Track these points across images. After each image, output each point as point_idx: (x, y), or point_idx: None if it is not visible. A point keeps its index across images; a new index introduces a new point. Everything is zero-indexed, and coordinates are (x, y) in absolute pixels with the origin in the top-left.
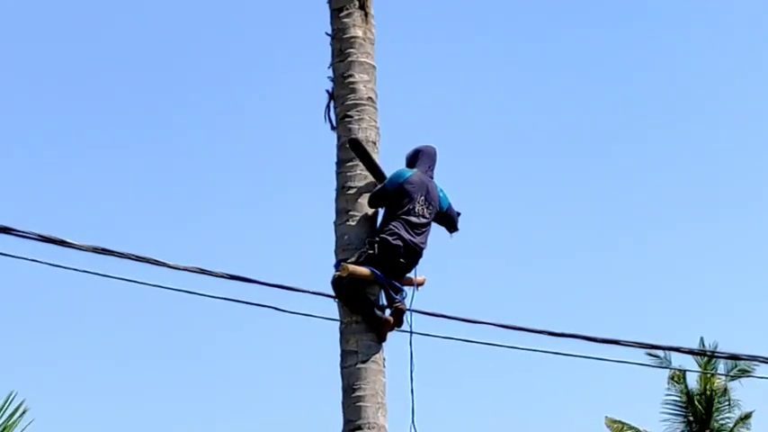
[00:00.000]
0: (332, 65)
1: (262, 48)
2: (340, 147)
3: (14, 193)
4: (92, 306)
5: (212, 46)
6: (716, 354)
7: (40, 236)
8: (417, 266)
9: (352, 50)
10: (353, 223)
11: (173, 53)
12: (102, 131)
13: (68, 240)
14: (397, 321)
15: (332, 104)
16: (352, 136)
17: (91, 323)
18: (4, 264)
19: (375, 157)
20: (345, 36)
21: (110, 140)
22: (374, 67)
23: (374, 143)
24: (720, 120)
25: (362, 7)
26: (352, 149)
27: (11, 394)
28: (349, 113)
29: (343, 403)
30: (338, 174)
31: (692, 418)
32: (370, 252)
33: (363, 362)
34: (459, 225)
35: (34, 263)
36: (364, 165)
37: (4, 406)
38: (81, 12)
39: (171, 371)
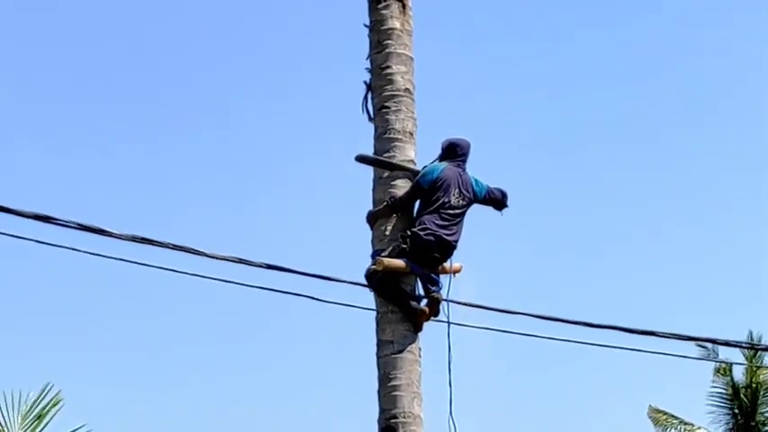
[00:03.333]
0: (370, 56)
1: (302, 39)
2: (377, 138)
3: (54, 182)
4: (130, 295)
5: (253, 36)
6: (756, 346)
7: (79, 224)
8: (452, 257)
9: (389, 42)
10: None
11: (214, 42)
12: (141, 119)
13: (107, 229)
14: (434, 311)
15: (369, 95)
16: (356, 155)
17: (129, 312)
18: (44, 252)
19: (411, 148)
20: (383, 28)
21: (149, 129)
22: (411, 58)
23: (411, 134)
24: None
25: None
26: (363, 163)
27: (47, 386)
28: (386, 104)
29: (379, 392)
30: None
31: (737, 411)
32: (403, 246)
33: (399, 351)
34: (509, 202)
35: (73, 251)
36: (385, 169)
37: (39, 396)
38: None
39: (209, 360)
